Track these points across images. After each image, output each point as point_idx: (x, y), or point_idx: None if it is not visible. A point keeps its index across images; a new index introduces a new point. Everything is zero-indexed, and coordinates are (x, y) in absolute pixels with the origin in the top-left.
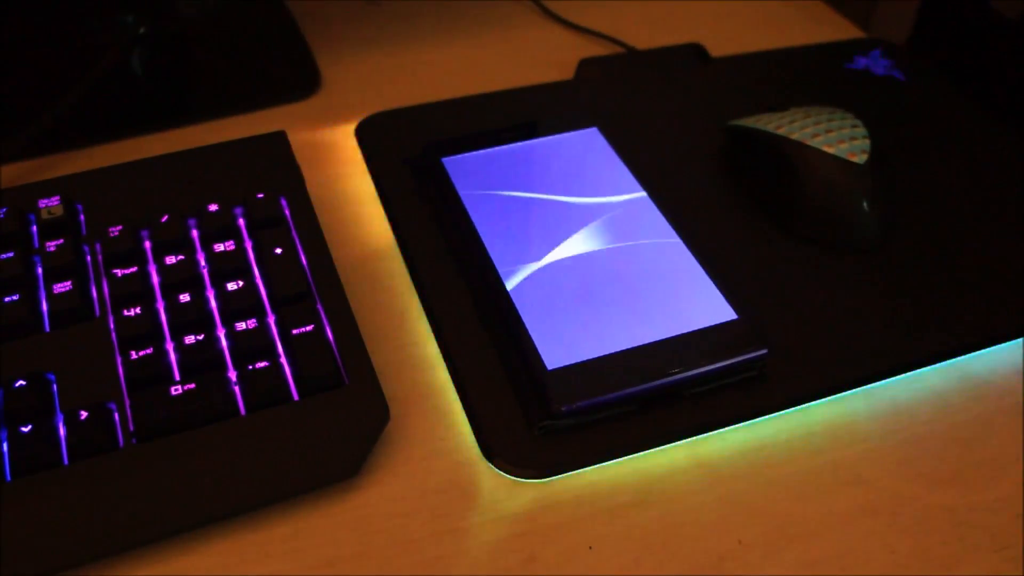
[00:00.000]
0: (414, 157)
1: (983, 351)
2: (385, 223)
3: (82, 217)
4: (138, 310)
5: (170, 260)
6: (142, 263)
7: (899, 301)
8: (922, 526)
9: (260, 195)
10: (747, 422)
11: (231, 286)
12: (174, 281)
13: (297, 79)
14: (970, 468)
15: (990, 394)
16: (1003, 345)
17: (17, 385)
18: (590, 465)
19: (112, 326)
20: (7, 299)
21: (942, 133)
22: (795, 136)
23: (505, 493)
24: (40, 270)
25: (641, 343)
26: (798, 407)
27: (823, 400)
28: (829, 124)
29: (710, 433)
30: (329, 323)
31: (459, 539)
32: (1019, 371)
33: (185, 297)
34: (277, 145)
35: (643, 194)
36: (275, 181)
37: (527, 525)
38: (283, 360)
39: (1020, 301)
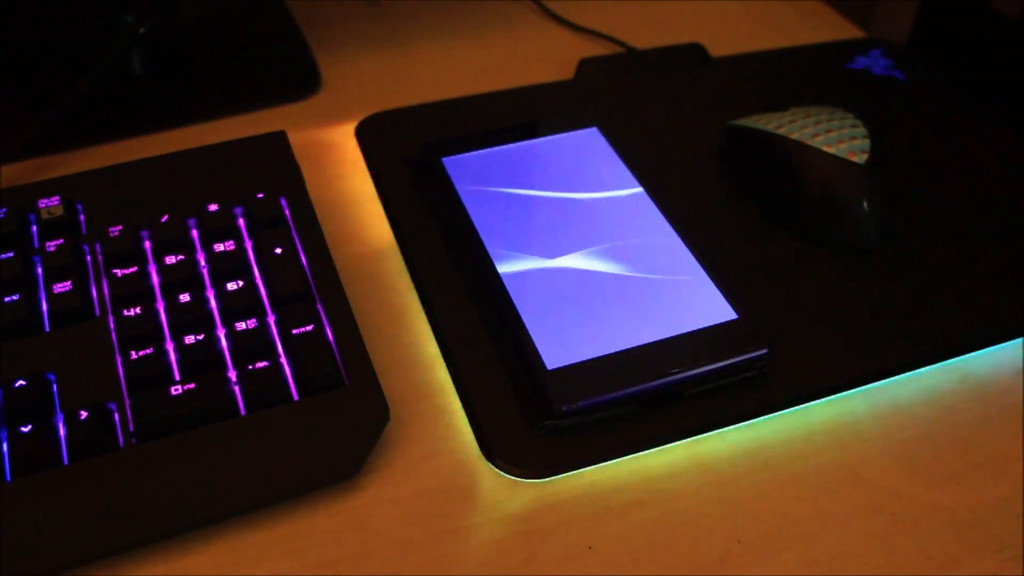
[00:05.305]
0: (414, 157)
1: (983, 351)
2: (385, 223)
3: (82, 217)
4: (138, 310)
5: (170, 260)
6: (142, 263)
7: (899, 301)
8: (922, 526)
9: (260, 195)
10: (747, 422)
11: (231, 286)
12: (174, 281)
13: (297, 79)
14: (970, 468)
15: (990, 394)
16: (1003, 345)
17: (17, 385)
18: (590, 465)
19: (112, 326)
20: (7, 299)
21: (942, 133)
22: (795, 136)
23: (505, 493)
24: (40, 270)
25: (641, 343)
26: (798, 407)
27: (823, 400)
28: (829, 124)
29: (710, 433)
30: (329, 323)
31: (459, 539)
32: (1019, 371)
33: (185, 297)
34: (277, 145)
35: (643, 193)
36: (275, 181)
37: (527, 525)
38: (283, 360)
39: (1020, 301)
